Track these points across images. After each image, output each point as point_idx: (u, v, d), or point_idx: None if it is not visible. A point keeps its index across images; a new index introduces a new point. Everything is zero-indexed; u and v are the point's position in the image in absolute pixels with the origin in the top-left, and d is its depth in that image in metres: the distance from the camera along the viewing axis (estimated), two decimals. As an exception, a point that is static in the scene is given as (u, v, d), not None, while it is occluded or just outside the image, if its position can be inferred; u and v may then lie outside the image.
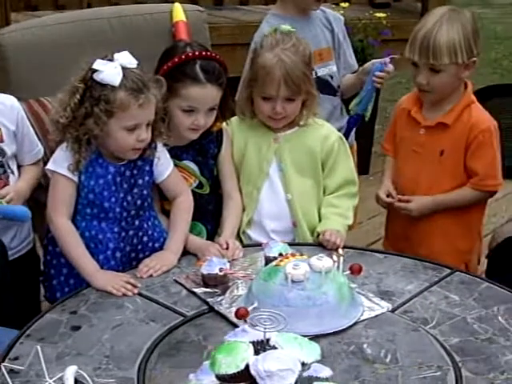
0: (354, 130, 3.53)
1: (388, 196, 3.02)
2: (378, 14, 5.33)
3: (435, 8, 2.96)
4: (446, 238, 2.98)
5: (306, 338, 1.66)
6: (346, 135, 3.24)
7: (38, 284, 2.86)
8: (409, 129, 3.01)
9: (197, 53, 2.65)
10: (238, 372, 1.53)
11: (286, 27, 2.82)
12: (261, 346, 1.58)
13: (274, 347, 1.57)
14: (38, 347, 1.85)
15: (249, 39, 4.90)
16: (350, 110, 3.44)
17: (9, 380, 1.75)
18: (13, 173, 2.69)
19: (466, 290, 2.43)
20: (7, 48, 3.11)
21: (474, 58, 2.85)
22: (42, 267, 2.88)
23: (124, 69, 2.43)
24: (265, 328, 1.58)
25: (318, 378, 1.62)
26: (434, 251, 2.84)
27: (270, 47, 2.74)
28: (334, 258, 2.28)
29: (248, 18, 5.20)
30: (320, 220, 2.84)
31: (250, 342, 1.57)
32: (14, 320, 2.63)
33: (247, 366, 1.53)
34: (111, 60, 2.45)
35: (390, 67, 3.27)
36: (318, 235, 2.75)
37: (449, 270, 2.55)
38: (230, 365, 1.53)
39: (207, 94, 2.65)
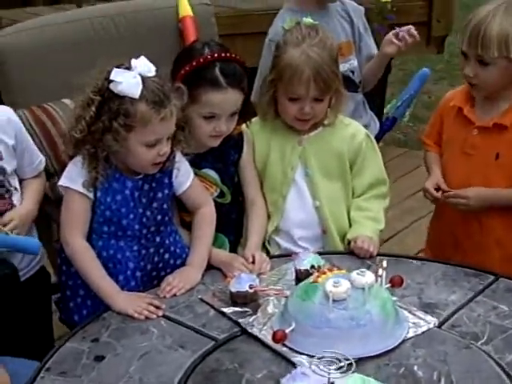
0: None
1: (438, 191, 2.77)
2: (381, -1, 5.11)
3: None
4: (501, 244, 2.75)
5: (372, 379, 1.48)
6: (379, 137, 3.05)
7: (50, 303, 2.69)
8: (460, 128, 2.77)
9: (216, 54, 2.46)
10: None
11: (308, 20, 2.62)
12: (325, 393, 1.42)
13: (340, 393, 1.41)
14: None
15: (248, 28, 4.76)
16: (385, 113, 3.26)
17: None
18: (16, 189, 2.51)
19: (514, 299, 2.28)
20: (4, 51, 2.92)
21: None
22: (54, 286, 2.74)
23: (143, 78, 2.24)
24: (329, 372, 1.41)
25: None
26: (488, 260, 2.61)
27: (295, 43, 2.54)
28: (379, 272, 2.11)
29: (247, 5, 4.98)
30: (350, 224, 2.68)
31: (313, 389, 1.41)
32: (27, 346, 2.48)
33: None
34: (129, 68, 2.25)
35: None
36: (349, 242, 2.59)
37: (492, 277, 2.39)
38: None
39: (228, 99, 2.46)
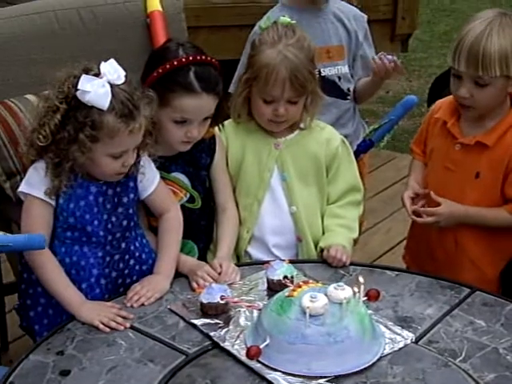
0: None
1: (414, 199, 2.67)
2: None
3: (482, 11, 2.57)
4: (476, 265, 2.66)
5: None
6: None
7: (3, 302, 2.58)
8: (443, 142, 2.66)
9: (191, 57, 2.34)
10: None
11: (285, 19, 2.54)
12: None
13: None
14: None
15: (213, 21, 4.66)
16: (364, 135, 3.17)
17: None
18: None
19: (490, 314, 2.22)
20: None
21: None
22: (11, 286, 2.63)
23: (112, 87, 2.12)
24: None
25: None
26: (462, 279, 2.46)
27: (271, 43, 2.45)
28: (355, 288, 2.04)
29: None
30: (323, 232, 2.60)
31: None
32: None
33: None
34: (97, 75, 2.13)
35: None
36: (322, 250, 2.52)
37: (468, 290, 2.34)
38: None
39: (202, 104, 2.36)
